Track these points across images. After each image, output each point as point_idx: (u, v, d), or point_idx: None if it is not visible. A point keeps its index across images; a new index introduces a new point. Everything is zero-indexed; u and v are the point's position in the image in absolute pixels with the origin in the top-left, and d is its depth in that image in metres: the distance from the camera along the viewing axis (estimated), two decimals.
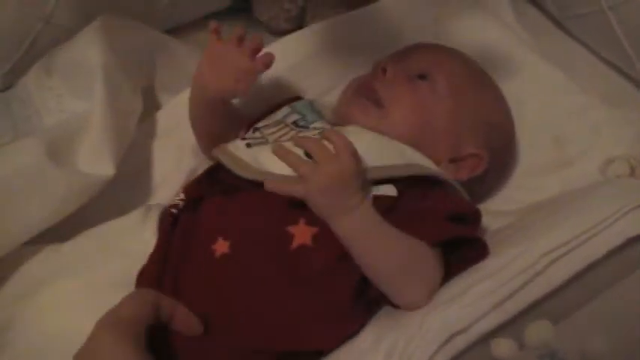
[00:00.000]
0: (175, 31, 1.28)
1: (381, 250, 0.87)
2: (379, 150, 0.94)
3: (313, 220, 0.88)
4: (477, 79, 1.07)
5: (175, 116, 1.09)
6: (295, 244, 0.87)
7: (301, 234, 0.88)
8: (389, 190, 0.91)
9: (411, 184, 0.92)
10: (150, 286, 0.84)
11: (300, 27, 1.28)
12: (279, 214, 0.89)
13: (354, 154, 0.88)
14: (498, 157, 1.06)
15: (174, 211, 0.93)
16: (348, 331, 0.89)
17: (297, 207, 0.88)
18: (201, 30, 1.31)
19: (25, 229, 0.92)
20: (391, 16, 1.20)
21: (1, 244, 0.91)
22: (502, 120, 1.08)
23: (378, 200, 0.90)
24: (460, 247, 0.89)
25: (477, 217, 0.95)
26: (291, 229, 0.88)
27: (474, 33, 1.19)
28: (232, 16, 1.35)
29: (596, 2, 1.14)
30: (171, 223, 0.91)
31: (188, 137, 1.07)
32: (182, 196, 0.95)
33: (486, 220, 0.98)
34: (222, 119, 1.03)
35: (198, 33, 1.31)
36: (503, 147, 1.08)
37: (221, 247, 0.87)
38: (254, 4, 1.32)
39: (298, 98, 1.11)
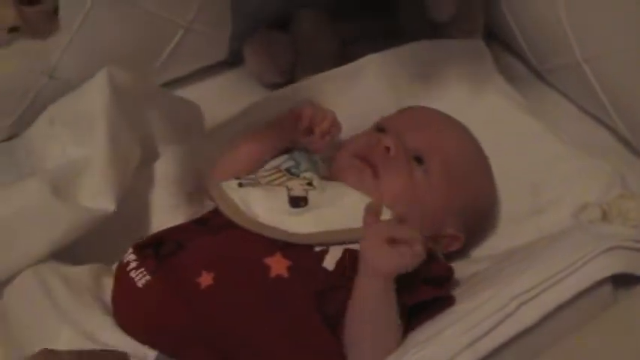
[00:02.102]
0: (173, 83, 1.34)
1: (376, 320, 0.91)
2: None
3: (288, 254, 0.94)
4: (470, 167, 1.11)
5: (172, 165, 1.14)
6: (273, 274, 0.92)
7: (277, 265, 0.93)
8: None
9: None
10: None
11: (291, 81, 1.33)
12: (257, 246, 0.95)
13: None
14: (476, 232, 1.12)
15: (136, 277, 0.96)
16: None
17: (275, 241, 0.94)
18: (198, 82, 1.37)
19: (26, 260, 0.98)
20: (379, 72, 1.25)
21: (6, 269, 0.97)
22: (487, 205, 1.14)
23: (347, 253, 0.95)
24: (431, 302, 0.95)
25: (449, 276, 1.00)
26: (268, 260, 0.93)
27: (457, 85, 1.25)
28: (227, 69, 1.41)
29: (571, 55, 1.20)
30: (154, 268, 0.96)
31: (184, 185, 1.12)
32: (132, 257, 0.99)
33: (462, 265, 1.03)
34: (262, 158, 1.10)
35: (195, 85, 1.37)
36: (482, 225, 1.14)
37: (205, 279, 0.92)
38: (247, 58, 1.37)
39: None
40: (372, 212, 0.93)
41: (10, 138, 1.30)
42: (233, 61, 1.40)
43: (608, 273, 0.90)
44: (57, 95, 1.19)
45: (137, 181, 1.12)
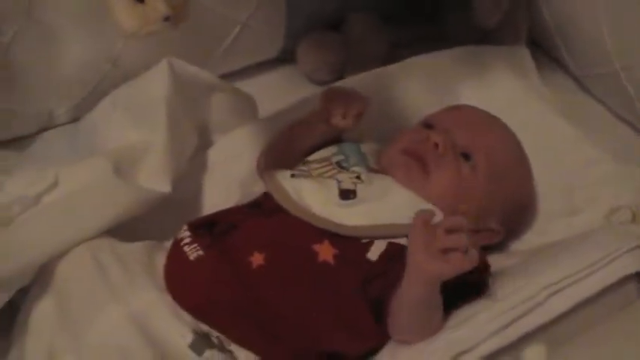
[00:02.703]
0: (226, 77, 1.39)
1: (422, 316, 0.96)
2: (410, 208, 1.01)
3: (336, 243, 0.99)
4: (514, 164, 1.15)
5: (225, 152, 1.21)
6: (320, 259, 0.98)
7: (324, 252, 0.98)
8: (402, 240, 0.99)
9: None
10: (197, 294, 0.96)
11: (340, 78, 1.38)
12: (307, 233, 0.99)
13: None
14: (514, 227, 1.16)
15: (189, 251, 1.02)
16: (367, 342, 0.99)
17: (324, 230, 0.99)
18: (251, 77, 1.44)
19: (83, 235, 1.02)
20: (423, 73, 1.31)
21: (66, 243, 1.01)
22: (526, 202, 1.18)
23: (391, 246, 1.00)
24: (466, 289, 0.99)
25: (485, 268, 1.03)
26: (316, 247, 0.98)
27: (497, 89, 1.30)
28: (277, 66, 1.48)
29: (610, 64, 1.26)
30: (208, 244, 1.01)
31: (237, 172, 1.18)
32: (187, 233, 1.04)
33: (496, 258, 1.07)
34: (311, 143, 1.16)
35: (247, 80, 1.43)
36: (520, 221, 1.18)
37: (257, 259, 0.97)
38: (300, 56, 1.44)
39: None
40: (423, 218, 0.93)
41: (72, 121, 1.37)
42: (285, 58, 1.47)
43: (633, 270, 0.95)
44: (118, 82, 1.27)
45: (192, 167, 1.18)
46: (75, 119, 1.36)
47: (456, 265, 0.88)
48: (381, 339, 1.00)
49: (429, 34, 1.42)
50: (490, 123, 1.17)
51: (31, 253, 1.00)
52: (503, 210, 1.11)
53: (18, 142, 1.34)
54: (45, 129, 1.37)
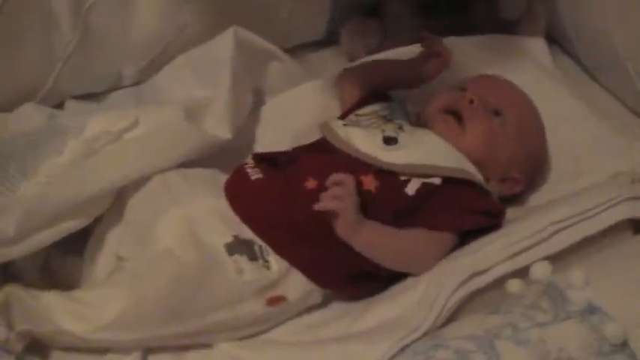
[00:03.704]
0: None
1: (385, 251, 1.14)
2: (444, 154, 1.20)
3: (379, 177, 1.15)
4: (536, 124, 1.32)
5: (279, 109, 1.39)
6: (364, 188, 1.14)
7: (369, 183, 1.15)
8: (435, 180, 1.17)
9: (455, 181, 1.19)
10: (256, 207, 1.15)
11: None
12: (356, 166, 1.16)
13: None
14: (532, 180, 1.32)
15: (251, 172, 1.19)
16: None
17: (370, 166, 1.16)
18: (296, 57, 1.56)
19: (155, 169, 1.18)
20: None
21: (140, 173, 1.18)
22: (544, 156, 1.34)
23: (425, 185, 1.16)
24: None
25: (500, 211, 1.20)
26: (362, 177, 1.15)
27: (516, 72, 1.44)
28: (322, 47, 1.64)
29: (616, 53, 1.43)
30: (268, 170, 1.19)
31: (289, 126, 1.34)
32: (251, 161, 1.22)
33: (512, 210, 1.25)
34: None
35: (294, 59, 1.55)
36: (537, 174, 1.34)
37: (311, 184, 1.15)
38: (343, 39, 1.61)
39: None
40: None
41: (136, 84, 1.50)
42: (329, 40, 1.64)
43: (628, 216, 1.10)
44: (181, 50, 1.43)
45: (249, 121, 1.36)
46: (139, 82, 1.50)
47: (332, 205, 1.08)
48: None
49: (457, 24, 1.56)
50: (516, 89, 1.33)
51: (110, 178, 1.17)
52: (525, 162, 1.27)
53: (88, 98, 1.48)
54: (113, 89, 1.50)
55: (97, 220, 1.19)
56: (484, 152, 1.22)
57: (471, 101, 1.24)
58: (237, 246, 1.11)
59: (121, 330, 1.05)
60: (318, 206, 1.09)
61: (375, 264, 1.13)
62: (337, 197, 1.09)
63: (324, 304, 1.17)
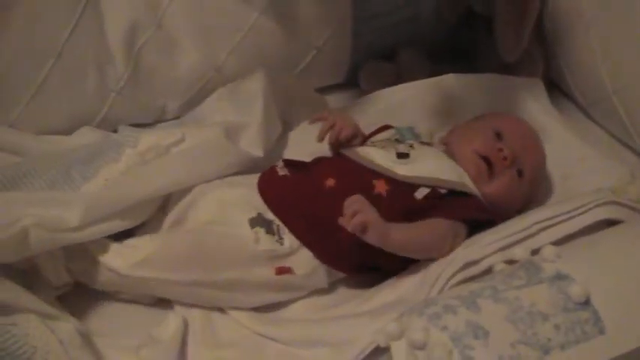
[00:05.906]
0: None
1: (413, 244, 1.29)
2: (450, 170, 1.37)
3: (390, 182, 1.33)
4: (544, 167, 1.50)
5: (301, 134, 1.59)
6: (376, 191, 1.32)
7: (380, 187, 1.32)
8: (442, 190, 1.34)
9: (458, 193, 1.36)
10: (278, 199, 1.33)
11: None
12: (370, 172, 1.34)
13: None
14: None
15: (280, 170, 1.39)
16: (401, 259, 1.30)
17: (382, 174, 1.33)
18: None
19: (199, 180, 1.38)
20: (454, 88, 1.67)
21: (185, 183, 1.37)
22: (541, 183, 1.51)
23: (433, 191, 1.33)
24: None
25: (494, 217, 1.36)
26: (375, 181, 1.33)
27: (514, 109, 1.63)
28: (342, 89, 1.82)
29: (604, 89, 1.60)
30: (295, 170, 1.38)
31: (309, 148, 1.50)
32: (281, 163, 1.41)
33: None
34: None
35: None
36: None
37: (330, 182, 1.33)
38: (361, 80, 1.79)
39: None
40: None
41: (177, 117, 1.68)
42: (349, 82, 1.82)
43: (604, 217, 1.26)
44: (218, 87, 1.61)
45: (277, 143, 1.56)
46: (179, 116, 1.68)
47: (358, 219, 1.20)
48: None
49: (463, 68, 1.74)
50: (539, 144, 1.48)
51: (157, 185, 1.35)
52: (528, 199, 1.46)
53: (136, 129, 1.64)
54: (158, 121, 1.69)
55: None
56: (500, 201, 1.39)
57: (505, 159, 1.38)
58: (259, 221, 1.31)
59: (151, 268, 1.25)
60: (350, 228, 1.20)
61: (376, 258, 1.29)
62: (358, 211, 1.22)
63: (331, 289, 1.35)
